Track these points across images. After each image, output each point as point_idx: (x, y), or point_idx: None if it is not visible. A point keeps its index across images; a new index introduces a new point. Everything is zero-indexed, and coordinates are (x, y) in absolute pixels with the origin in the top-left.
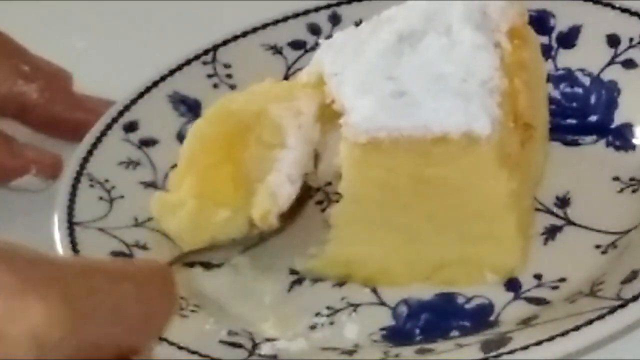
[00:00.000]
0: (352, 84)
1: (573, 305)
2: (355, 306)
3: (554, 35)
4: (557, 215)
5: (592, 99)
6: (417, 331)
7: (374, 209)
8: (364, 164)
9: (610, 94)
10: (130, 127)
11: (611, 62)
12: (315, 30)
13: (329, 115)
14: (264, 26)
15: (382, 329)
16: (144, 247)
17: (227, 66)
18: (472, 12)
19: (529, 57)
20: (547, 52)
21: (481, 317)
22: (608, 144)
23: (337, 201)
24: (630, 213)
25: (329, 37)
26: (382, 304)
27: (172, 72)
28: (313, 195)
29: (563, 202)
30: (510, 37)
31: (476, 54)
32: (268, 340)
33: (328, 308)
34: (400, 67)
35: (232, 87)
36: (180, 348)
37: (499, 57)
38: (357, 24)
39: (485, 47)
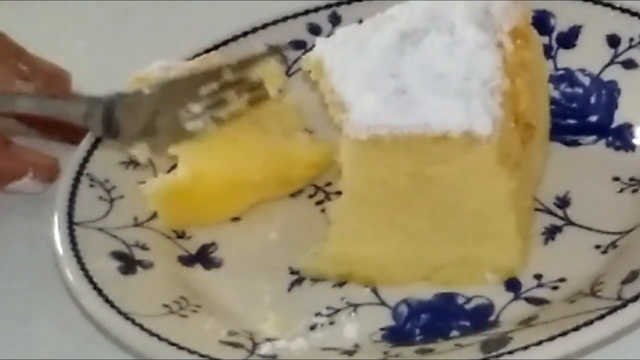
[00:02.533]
0: (354, 79)
1: (573, 305)
2: (355, 306)
3: (554, 35)
4: (557, 215)
5: (592, 99)
6: (417, 331)
7: (373, 206)
8: (365, 160)
9: (610, 94)
10: None
11: (611, 62)
12: (315, 30)
13: None
14: (264, 26)
15: (382, 329)
16: (144, 247)
17: None
18: (475, 12)
19: (531, 57)
20: (547, 52)
21: (481, 317)
22: (608, 144)
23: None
24: (630, 213)
25: (329, 37)
26: (382, 304)
27: None
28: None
29: (563, 202)
30: (512, 37)
31: (478, 53)
32: (268, 340)
33: (328, 308)
34: (402, 65)
35: None
36: (180, 348)
37: (501, 56)
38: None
39: (488, 46)
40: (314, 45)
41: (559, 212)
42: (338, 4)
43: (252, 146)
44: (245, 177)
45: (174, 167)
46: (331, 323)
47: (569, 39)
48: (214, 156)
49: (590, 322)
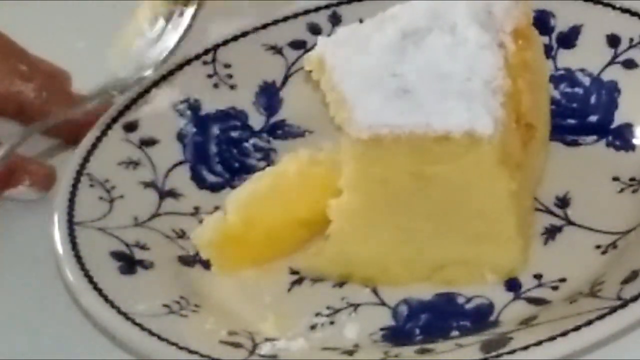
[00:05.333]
0: (355, 78)
1: (573, 305)
2: (355, 306)
3: (554, 35)
4: (557, 215)
5: (592, 99)
6: (417, 331)
7: (374, 205)
8: (366, 160)
9: (610, 94)
10: (130, 127)
11: (611, 62)
12: (315, 30)
13: None
14: (264, 26)
15: (382, 329)
16: (144, 247)
17: (227, 66)
18: (477, 11)
19: (532, 57)
20: (547, 52)
21: (481, 317)
22: (608, 144)
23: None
24: (630, 213)
25: (329, 36)
26: (382, 304)
27: (172, 72)
28: None
29: (563, 202)
30: (514, 37)
31: (480, 53)
32: (268, 340)
33: (328, 308)
34: (404, 65)
35: (232, 87)
36: (180, 348)
37: (503, 57)
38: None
39: (490, 46)
40: (314, 45)
41: (559, 212)
42: (338, 4)
43: (300, 183)
44: (296, 215)
45: None
46: (331, 323)
47: (569, 39)
48: (263, 198)
49: (590, 322)
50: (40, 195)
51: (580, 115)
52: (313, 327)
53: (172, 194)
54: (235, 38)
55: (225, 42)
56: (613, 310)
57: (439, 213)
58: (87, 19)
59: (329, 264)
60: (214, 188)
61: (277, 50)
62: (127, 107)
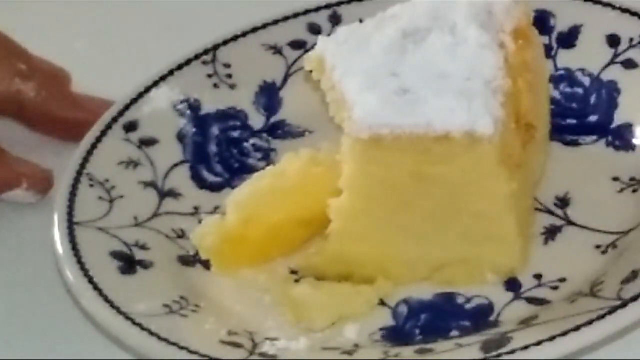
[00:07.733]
0: (355, 78)
1: (573, 305)
2: None
3: (554, 35)
4: (557, 215)
5: (592, 99)
6: (417, 331)
7: (374, 205)
8: (366, 159)
9: (610, 94)
10: (130, 127)
11: (611, 62)
12: (315, 30)
13: None
14: (264, 26)
15: (382, 329)
16: (144, 247)
17: (227, 66)
18: (478, 12)
19: (532, 57)
20: (547, 52)
21: (481, 317)
22: (608, 144)
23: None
24: (630, 213)
25: (330, 36)
26: (382, 304)
27: (172, 72)
28: None
29: (563, 202)
30: (514, 37)
31: (480, 53)
32: (268, 340)
33: None
34: (404, 64)
35: (232, 87)
36: (180, 348)
37: (503, 57)
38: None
39: (490, 46)
40: (314, 45)
41: (559, 212)
42: (338, 4)
43: (300, 183)
44: (296, 215)
45: None
46: (331, 323)
47: (569, 39)
48: (263, 198)
49: (590, 322)
50: (38, 198)
51: (580, 115)
52: None
53: (172, 194)
54: (235, 38)
55: (225, 42)
56: (613, 310)
57: (439, 213)
58: (87, 19)
59: (329, 264)
60: (214, 188)
61: (277, 50)
62: (127, 107)
